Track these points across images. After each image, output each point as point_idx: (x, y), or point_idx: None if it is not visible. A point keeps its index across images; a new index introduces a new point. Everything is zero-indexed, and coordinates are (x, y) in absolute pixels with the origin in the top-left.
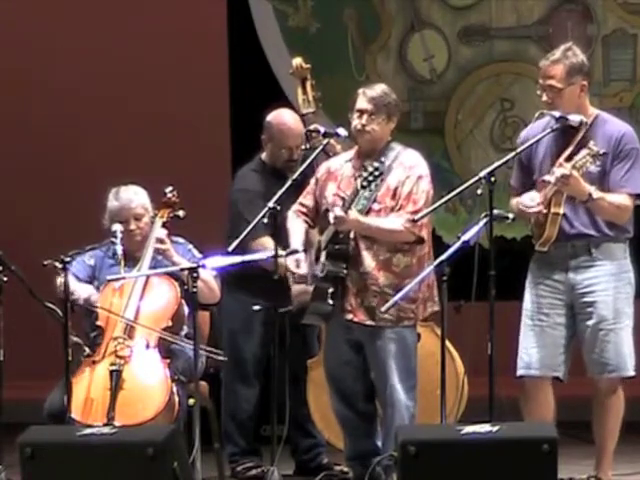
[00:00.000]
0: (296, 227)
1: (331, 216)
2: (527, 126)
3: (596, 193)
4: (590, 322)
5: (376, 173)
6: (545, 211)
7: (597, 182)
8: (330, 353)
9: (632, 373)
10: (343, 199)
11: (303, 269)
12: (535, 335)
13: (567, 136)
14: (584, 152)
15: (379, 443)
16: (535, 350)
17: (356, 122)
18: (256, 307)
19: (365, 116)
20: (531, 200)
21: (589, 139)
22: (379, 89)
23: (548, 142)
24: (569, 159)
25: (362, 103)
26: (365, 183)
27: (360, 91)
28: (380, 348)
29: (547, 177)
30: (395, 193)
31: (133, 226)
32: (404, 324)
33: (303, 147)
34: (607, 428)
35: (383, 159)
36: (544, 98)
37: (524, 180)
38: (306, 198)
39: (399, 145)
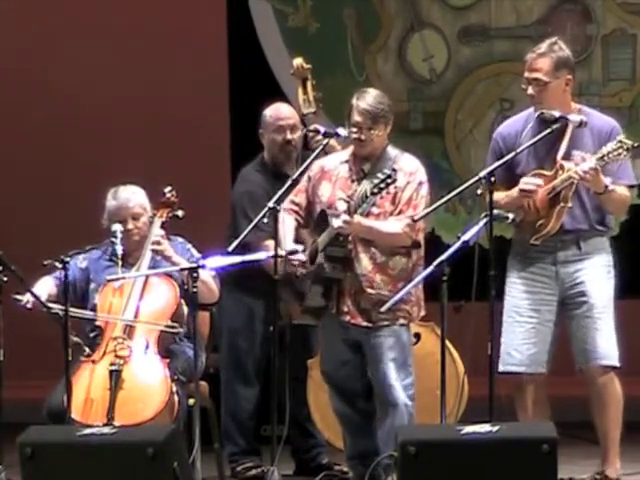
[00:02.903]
0: (287, 226)
1: (337, 222)
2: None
3: (611, 185)
4: (580, 310)
5: (389, 180)
6: (548, 198)
7: None
8: (328, 354)
9: (618, 364)
10: (348, 203)
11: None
12: (526, 332)
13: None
14: (613, 145)
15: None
16: (526, 347)
17: (355, 136)
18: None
19: (363, 130)
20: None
21: (578, 135)
22: (371, 99)
23: (532, 135)
24: (567, 157)
25: (358, 117)
26: (376, 190)
27: (354, 103)
28: (377, 346)
29: (571, 173)
30: (395, 198)
31: (131, 225)
32: (400, 322)
33: (298, 137)
34: (609, 419)
35: (395, 167)
36: (529, 91)
37: (504, 173)
38: (298, 196)
39: (396, 149)
